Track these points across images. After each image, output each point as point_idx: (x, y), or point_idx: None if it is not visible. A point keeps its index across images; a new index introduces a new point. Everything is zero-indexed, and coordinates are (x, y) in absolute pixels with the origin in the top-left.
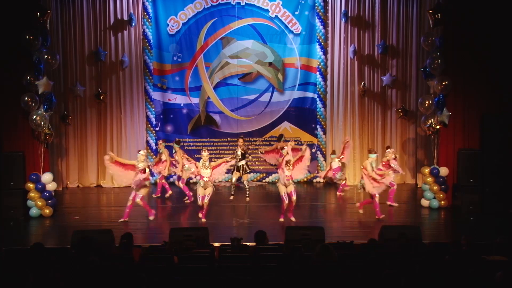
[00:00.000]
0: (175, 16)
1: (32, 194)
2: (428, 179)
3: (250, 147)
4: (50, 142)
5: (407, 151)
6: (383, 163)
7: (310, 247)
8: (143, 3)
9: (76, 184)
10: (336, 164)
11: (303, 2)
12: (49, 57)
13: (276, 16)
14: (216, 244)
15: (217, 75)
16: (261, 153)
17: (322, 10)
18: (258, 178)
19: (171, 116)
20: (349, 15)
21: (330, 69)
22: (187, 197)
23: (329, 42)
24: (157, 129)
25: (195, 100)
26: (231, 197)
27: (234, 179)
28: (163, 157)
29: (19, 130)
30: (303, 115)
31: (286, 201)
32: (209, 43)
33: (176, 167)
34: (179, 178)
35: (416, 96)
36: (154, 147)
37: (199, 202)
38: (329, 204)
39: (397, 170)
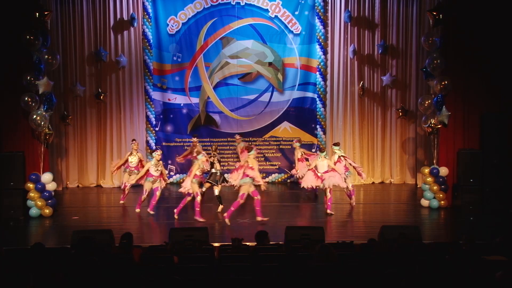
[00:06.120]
0: (175, 16)
1: (32, 194)
2: (428, 179)
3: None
4: (50, 142)
5: (407, 151)
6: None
7: (310, 247)
8: (143, 3)
9: (76, 184)
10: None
11: (303, 2)
12: (50, 57)
13: (276, 16)
14: (216, 244)
15: (217, 75)
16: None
17: (322, 10)
18: None
19: (171, 116)
20: (350, 15)
21: (330, 69)
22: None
23: (329, 42)
24: (157, 129)
25: (195, 100)
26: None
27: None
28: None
29: (19, 130)
30: (303, 115)
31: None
32: (209, 43)
33: None
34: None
35: (416, 96)
36: (154, 147)
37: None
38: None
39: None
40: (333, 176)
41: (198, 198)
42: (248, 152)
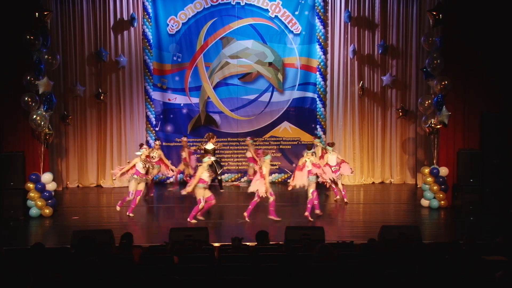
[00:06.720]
0: (175, 16)
1: (32, 194)
2: (428, 179)
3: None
4: (50, 142)
5: (407, 151)
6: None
7: (310, 247)
8: (143, 3)
9: (76, 184)
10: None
11: (303, 2)
12: (50, 57)
13: (276, 16)
14: (216, 244)
15: (217, 75)
16: None
17: (322, 10)
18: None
19: (171, 116)
20: (350, 15)
21: (330, 69)
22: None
23: (329, 42)
24: (157, 129)
25: (195, 100)
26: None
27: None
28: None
29: (19, 130)
30: (303, 115)
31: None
32: (209, 43)
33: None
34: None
35: (416, 96)
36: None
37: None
38: (329, 204)
39: None
40: (342, 167)
41: (271, 198)
42: (308, 150)
